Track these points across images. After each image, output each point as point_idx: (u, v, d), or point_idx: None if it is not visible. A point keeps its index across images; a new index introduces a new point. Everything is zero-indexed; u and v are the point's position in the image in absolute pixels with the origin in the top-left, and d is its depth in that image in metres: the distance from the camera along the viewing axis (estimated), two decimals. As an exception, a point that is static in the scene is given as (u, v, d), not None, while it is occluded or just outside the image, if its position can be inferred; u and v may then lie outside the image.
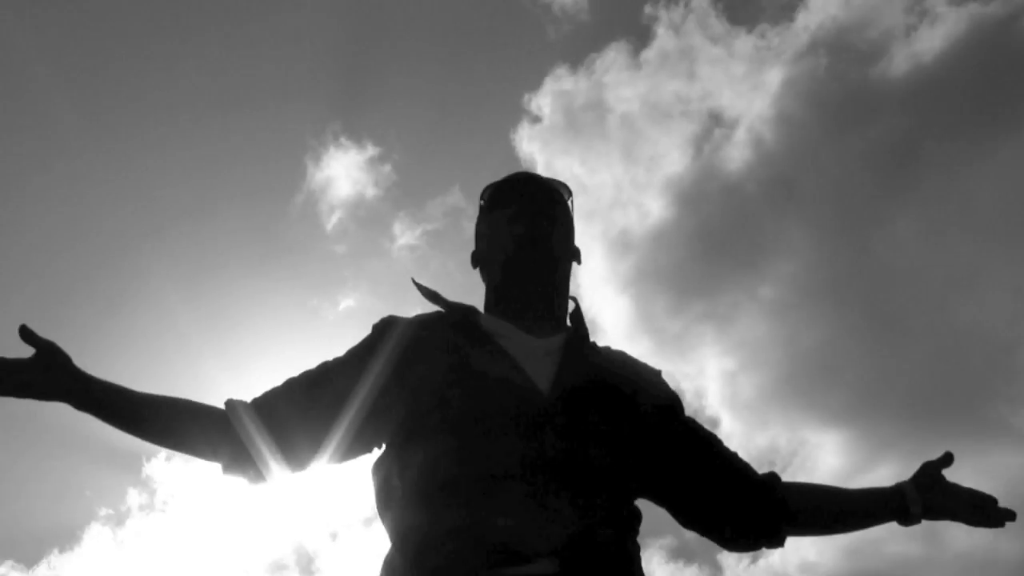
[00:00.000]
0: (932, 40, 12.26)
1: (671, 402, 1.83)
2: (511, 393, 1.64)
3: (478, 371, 1.66)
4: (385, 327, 1.78)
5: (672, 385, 1.87)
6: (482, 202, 1.91)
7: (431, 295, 1.83)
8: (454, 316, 1.78)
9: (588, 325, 1.83)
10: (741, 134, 12.66)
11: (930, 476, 1.87)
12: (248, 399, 1.75)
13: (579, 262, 1.90)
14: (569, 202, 1.89)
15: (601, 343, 1.84)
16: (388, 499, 1.67)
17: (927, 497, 1.86)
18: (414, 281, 1.86)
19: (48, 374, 1.66)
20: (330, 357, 1.79)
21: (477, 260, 1.91)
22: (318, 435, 1.71)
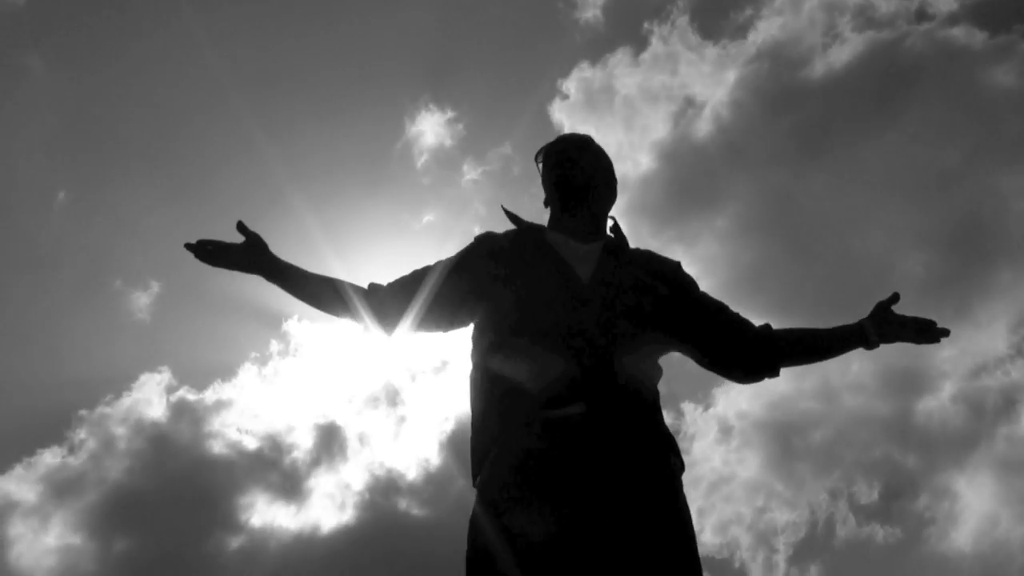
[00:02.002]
0: (841, 54, 17.29)
1: (686, 282, 2.28)
2: (560, 283, 2.10)
3: (538, 267, 2.15)
4: (479, 238, 2.29)
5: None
6: (539, 163, 2.34)
7: (513, 217, 2.31)
8: (527, 231, 2.26)
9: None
10: (707, 113, 17.58)
11: (882, 311, 2.26)
12: (384, 283, 2.28)
13: (615, 183, 2.34)
14: (593, 146, 2.32)
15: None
16: (480, 349, 2.14)
17: (881, 327, 2.24)
18: (503, 208, 2.33)
19: (253, 255, 2.22)
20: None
21: (545, 201, 2.35)
22: (404, 309, 2.23)
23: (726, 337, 2.23)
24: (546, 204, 2.35)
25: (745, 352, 2.24)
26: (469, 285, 2.20)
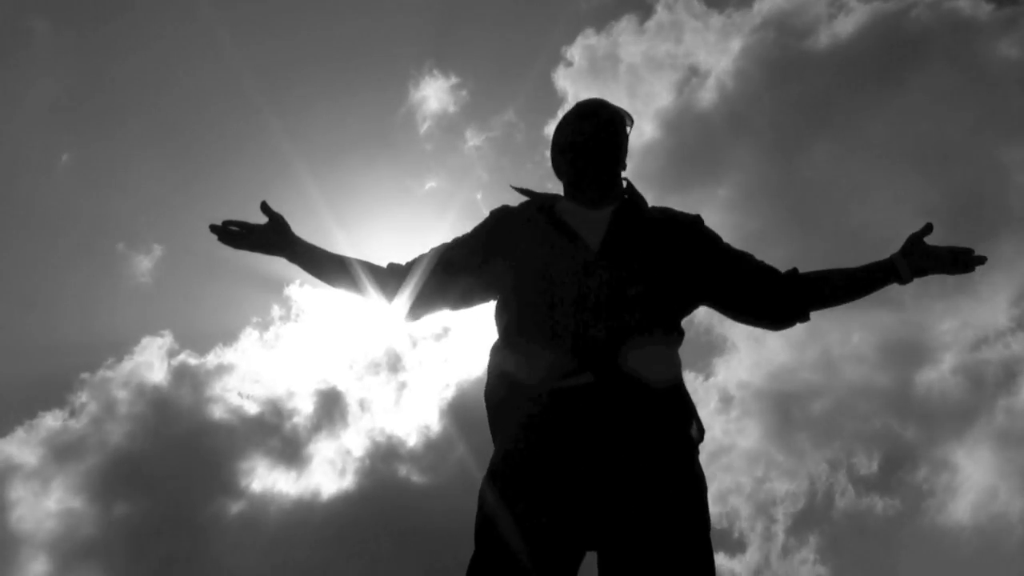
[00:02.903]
0: (847, 24, 17.42)
1: (709, 235, 2.24)
2: (568, 253, 2.08)
3: (547, 239, 2.12)
4: (492, 212, 2.27)
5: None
6: (568, 116, 2.25)
7: (524, 191, 2.28)
8: (539, 203, 2.23)
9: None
10: (711, 82, 17.73)
11: (913, 244, 2.16)
12: (403, 262, 2.29)
13: (624, 168, 2.27)
14: (629, 128, 2.25)
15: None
16: (497, 321, 2.16)
17: (912, 261, 2.14)
18: (512, 186, 2.30)
19: (276, 236, 2.22)
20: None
21: (555, 164, 2.28)
22: (412, 285, 2.24)
23: (753, 285, 2.19)
24: (555, 166, 2.29)
25: (774, 299, 2.19)
26: (464, 261, 2.20)
